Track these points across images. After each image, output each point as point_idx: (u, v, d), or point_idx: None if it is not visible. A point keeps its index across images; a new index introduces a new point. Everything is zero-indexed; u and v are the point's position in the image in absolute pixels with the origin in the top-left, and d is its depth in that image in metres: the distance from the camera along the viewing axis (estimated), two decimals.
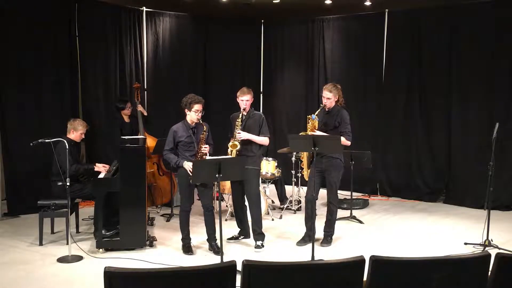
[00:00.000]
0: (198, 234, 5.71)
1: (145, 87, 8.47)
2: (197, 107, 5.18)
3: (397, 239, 5.98)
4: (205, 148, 5.22)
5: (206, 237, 5.35)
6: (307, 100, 9.32)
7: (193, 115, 5.21)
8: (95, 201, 5.55)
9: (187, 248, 5.26)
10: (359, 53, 8.70)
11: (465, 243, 5.63)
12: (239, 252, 5.33)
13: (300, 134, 5.57)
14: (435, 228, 6.44)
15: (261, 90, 9.83)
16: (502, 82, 7.27)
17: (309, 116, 5.43)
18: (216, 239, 5.27)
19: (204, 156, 5.19)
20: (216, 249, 5.22)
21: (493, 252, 2.75)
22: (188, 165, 5.08)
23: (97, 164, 5.95)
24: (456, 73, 7.66)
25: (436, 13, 7.84)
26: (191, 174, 4.95)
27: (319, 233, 5.55)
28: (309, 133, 5.35)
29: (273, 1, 8.46)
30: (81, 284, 4.45)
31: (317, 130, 5.36)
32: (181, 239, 5.31)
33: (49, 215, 5.59)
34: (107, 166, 5.90)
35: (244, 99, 5.38)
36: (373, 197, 8.35)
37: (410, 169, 8.23)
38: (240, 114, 5.41)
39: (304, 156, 5.76)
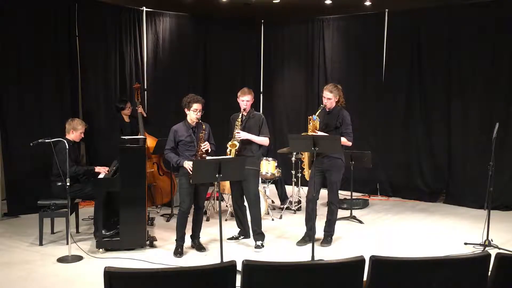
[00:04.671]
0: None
1: (145, 87, 8.47)
2: (196, 106, 5.19)
3: (397, 239, 5.98)
4: (205, 146, 5.23)
5: (192, 234, 5.46)
6: (307, 100, 9.32)
7: (192, 114, 5.22)
8: (95, 201, 5.55)
9: (177, 250, 5.22)
10: (359, 53, 8.70)
11: (465, 243, 5.63)
12: (239, 252, 5.33)
13: (301, 134, 5.56)
14: (435, 228, 6.44)
15: (261, 90, 9.83)
16: (502, 82, 7.27)
17: (310, 116, 5.41)
18: (199, 237, 5.44)
19: (204, 155, 5.21)
20: (199, 246, 5.39)
21: (493, 252, 2.75)
22: (188, 164, 5.08)
23: (97, 166, 5.95)
24: (456, 73, 7.66)
25: (436, 13, 7.83)
26: (191, 173, 4.97)
27: (319, 233, 5.55)
28: (310, 134, 5.34)
29: (273, 1, 8.46)
30: (81, 284, 4.45)
31: (318, 131, 5.35)
32: (175, 240, 5.28)
33: (49, 215, 5.59)
34: (107, 168, 5.90)
35: (245, 99, 5.38)
36: (373, 197, 8.35)
37: (410, 169, 8.23)
38: (240, 114, 5.41)
39: (306, 156, 5.75)
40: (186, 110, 5.26)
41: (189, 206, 5.27)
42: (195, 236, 5.44)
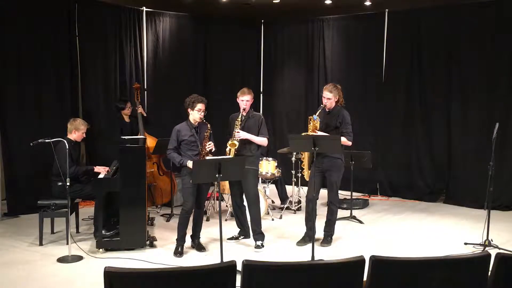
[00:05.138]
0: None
1: (145, 87, 8.47)
2: (200, 106, 5.21)
3: (397, 239, 5.98)
4: (209, 145, 5.24)
5: (192, 234, 5.46)
6: (307, 100, 9.32)
7: (196, 114, 5.23)
8: (95, 201, 5.55)
9: (177, 250, 5.23)
10: (359, 53, 8.70)
11: (465, 243, 5.63)
12: (239, 252, 5.33)
13: (301, 134, 5.56)
14: (435, 228, 6.44)
15: (261, 90, 9.83)
16: (502, 82, 7.26)
17: (311, 116, 5.41)
18: (199, 237, 5.44)
19: (210, 154, 5.23)
20: (199, 246, 5.39)
21: (493, 252, 2.75)
22: (191, 164, 5.08)
23: (97, 166, 5.95)
24: (456, 73, 7.66)
25: (436, 13, 7.83)
26: None
27: (319, 233, 5.55)
28: (310, 134, 5.33)
29: (273, 1, 8.46)
30: (81, 284, 4.45)
31: (318, 131, 5.35)
32: (176, 240, 5.28)
33: (49, 215, 5.59)
34: (107, 168, 5.90)
35: (244, 99, 5.39)
36: (373, 197, 8.35)
37: (410, 169, 8.23)
38: (240, 115, 5.42)
39: (305, 156, 5.75)
40: (189, 110, 5.27)
41: (192, 206, 5.27)
42: (195, 236, 5.44)
